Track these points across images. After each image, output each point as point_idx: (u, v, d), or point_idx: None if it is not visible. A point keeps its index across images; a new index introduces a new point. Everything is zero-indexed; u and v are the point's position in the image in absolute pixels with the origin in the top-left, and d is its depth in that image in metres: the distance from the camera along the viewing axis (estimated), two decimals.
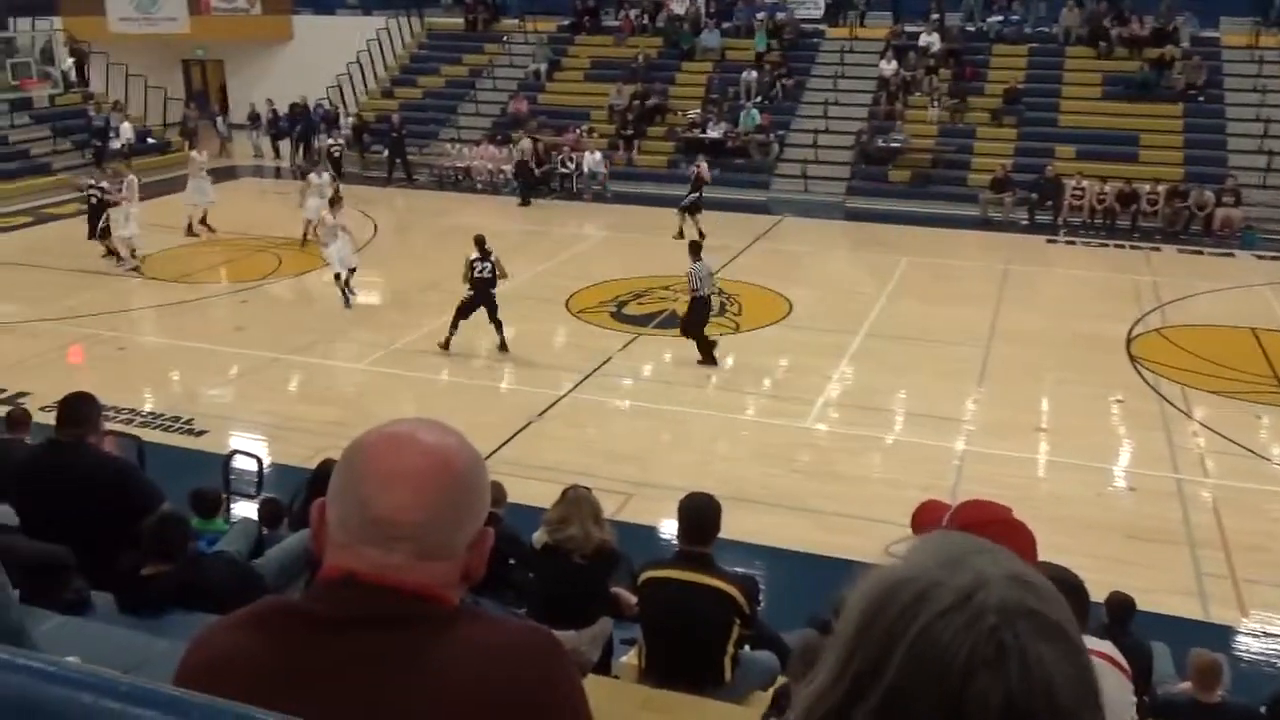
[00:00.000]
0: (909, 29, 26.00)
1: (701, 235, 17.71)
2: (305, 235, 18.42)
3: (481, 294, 13.13)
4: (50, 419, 5.67)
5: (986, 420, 11.69)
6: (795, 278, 17.36)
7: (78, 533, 4.49)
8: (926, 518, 2.26)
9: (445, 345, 13.33)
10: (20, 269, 17.37)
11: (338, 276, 15.34)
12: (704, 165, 20.24)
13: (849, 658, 0.90)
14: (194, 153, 20.97)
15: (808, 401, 12.09)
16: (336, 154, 24.01)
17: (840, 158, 23.60)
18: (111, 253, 17.33)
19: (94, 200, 17.59)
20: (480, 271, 13.08)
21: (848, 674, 0.90)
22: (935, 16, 25.87)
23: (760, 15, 26.94)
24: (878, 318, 15.07)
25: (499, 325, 13.30)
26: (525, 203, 22.47)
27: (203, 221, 19.52)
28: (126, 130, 25.17)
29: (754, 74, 25.33)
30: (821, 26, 27.14)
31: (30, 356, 13.29)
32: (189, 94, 31.56)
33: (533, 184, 23.09)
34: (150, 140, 26.38)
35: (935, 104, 24.10)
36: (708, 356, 12.99)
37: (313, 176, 19.65)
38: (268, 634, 1.32)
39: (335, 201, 16.18)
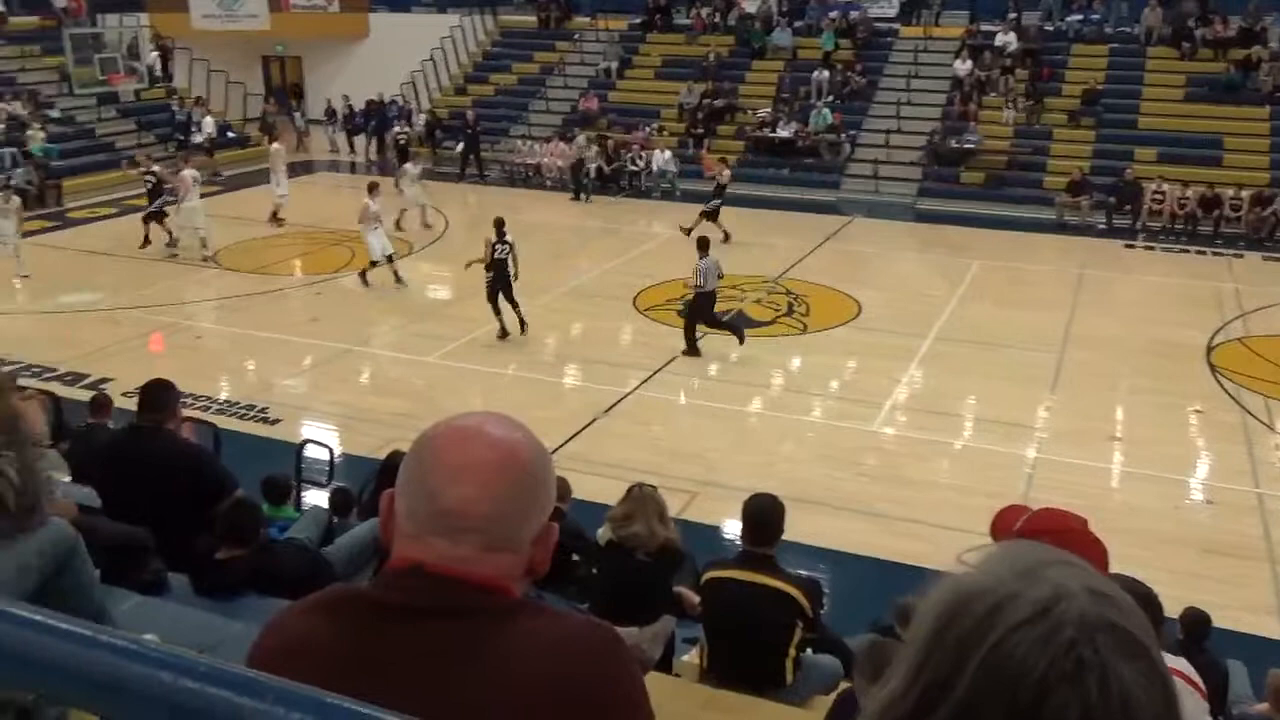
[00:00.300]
0: (985, 28, 25.59)
1: (727, 236, 18.41)
2: (398, 222, 19.26)
3: (499, 275, 13.53)
4: (131, 404, 5.84)
5: (1059, 428, 11.46)
6: (864, 279, 17.19)
7: (156, 516, 4.61)
8: (1006, 523, 2.22)
9: (503, 334, 13.71)
10: (105, 258, 17.89)
11: (374, 264, 16.02)
12: (727, 171, 20.17)
13: (919, 668, 0.88)
14: (275, 145, 21.51)
15: (875, 404, 11.97)
16: (403, 142, 24.41)
17: (912, 158, 23.31)
18: (147, 240, 18.00)
19: (149, 184, 18.11)
20: (499, 253, 13.49)
21: (917, 685, 0.88)
22: (1013, 15, 25.41)
23: (833, 14, 26.72)
24: (948, 321, 14.86)
25: (515, 304, 13.70)
26: (579, 198, 22.67)
27: (275, 214, 20.03)
28: (209, 124, 25.79)
29: (825, 73, 25.12)
30: (895, 25, 26.83)
31: (113, 343, 13.69)
32: (268, 89, 32.20)
33: (604, 179, 23.25)
34: (230, 134, 27.00)
35: (1011, 105, 23.68)
36: (692, 347, 13.25)
37: (409, 166, 20.15)
38: (337, 621, 1.35)
39: (373, 188, 16.56)
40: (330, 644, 1.31)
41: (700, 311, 13.26)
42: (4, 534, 2.87)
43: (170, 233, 18.01)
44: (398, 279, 16.27)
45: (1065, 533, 2.15)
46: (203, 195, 18.33)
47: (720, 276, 13.38)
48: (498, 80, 28.54)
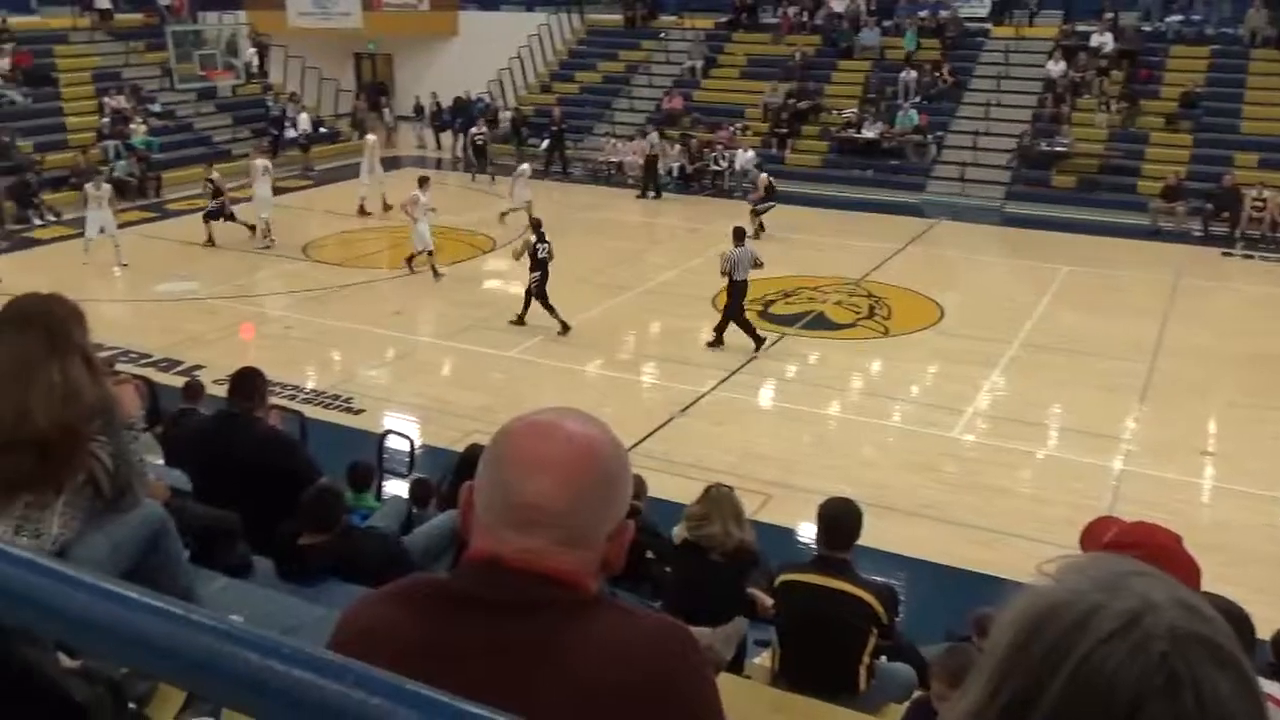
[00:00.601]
0: (1080, 28, 24.97)
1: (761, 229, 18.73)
2: (503, 215, 19.72)
3: (544, 274, 13.93)
4: (222, 391, 6.01)
5: (1148, 440, 11.15)
6: (948, 283, 16.92)
7: (243, 500, 4.74)
8: (1096, 535, 2.17)
9: (564, 329, 13.88)
10: (200, 248, 18.42)
11: (430, 254, 16.48)
12: (764, 176, 20.20)
13: (1000, 682, 0.86)
14: (370, 136, 22.03)
15: (956, 410, 11.78)
16: (480, 143, 24.79)
17: (1000, 161, 22.87)
18: (211, 239, 18.39)
19: (210, 189, 18.67)
20: (541, 253, 13.89)
21: (999, 699, 0.86)
22: (1109, 15, 24.76)
23: (922, 13, 26.35)
24: (1034, 327, 14.54)
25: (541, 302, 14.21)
26: (645, 195, 22.76)
27: (363, 208, 20.59)
28: (304, 121, 26.41)
29: (913, 73, 24.78)
30: (986, 25, 26.34)
31: (207, 331, 14.11)
32: (359, 86, 32.82)
33: (685, 178, 23.34)
34: (322, 130, 27.61)
35: (1105, 107, 23.08)
36: (755, 338, 13.28)
37: (524, 166, 20.51)
38: (413, 610, 1.36)
39: (424, 181, 16.99)
40: (406, 632, 1.33)
41: (733, 303, 13.29)
42: (99, 514, 2.98)
43: (252, 226, 18.48)
44: (434, 271, 16.68)
45: (1157, 548, 2.09)
46: (291, 190, 18.80)
47: (759, 265, 13.43)
48: (583, 78, 28.71)
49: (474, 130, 25.39)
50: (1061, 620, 0.84)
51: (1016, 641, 0.86)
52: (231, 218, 18.57)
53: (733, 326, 13.34)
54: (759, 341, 13.27)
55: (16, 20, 25.05)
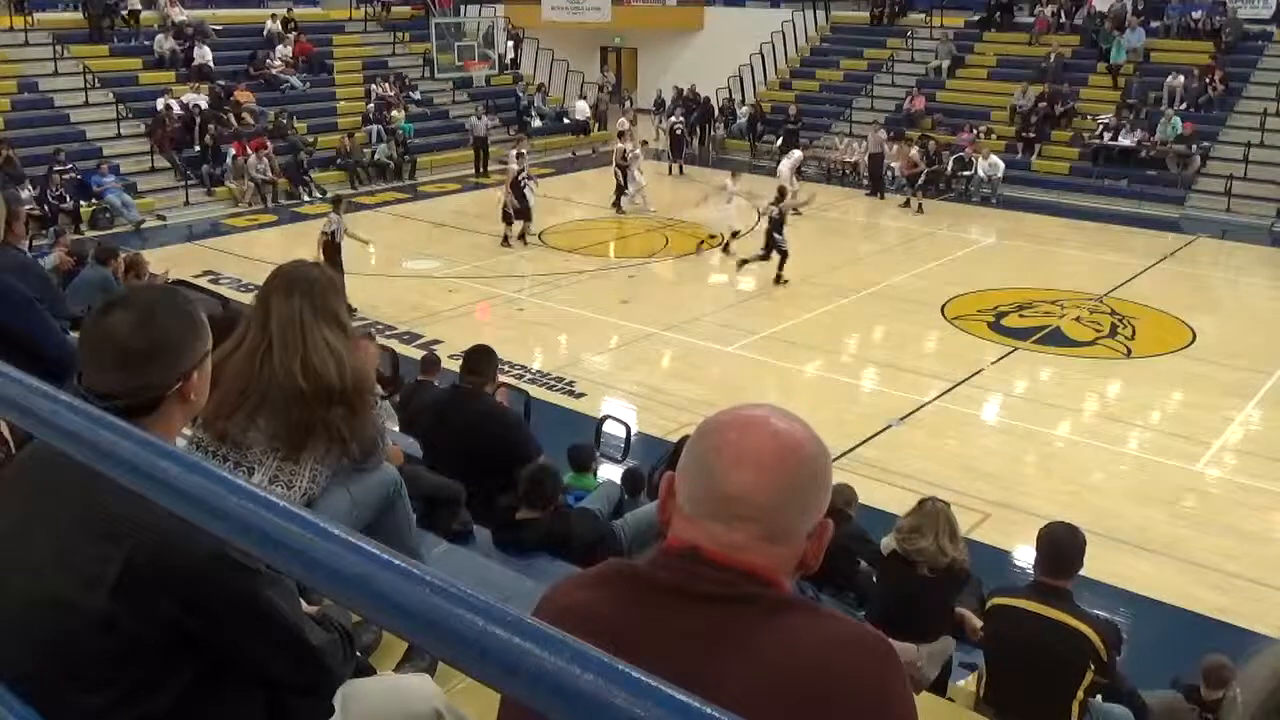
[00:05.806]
0: None
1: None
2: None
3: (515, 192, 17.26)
4: (456, 365, 6.35)
5: None
6: (1203, 305, 15.73)
7: (467, 471, 4.99)
8: None
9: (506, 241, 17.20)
10: (448, 230, 19.45)
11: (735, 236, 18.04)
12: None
13: None
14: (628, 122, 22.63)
15: (1202, 442, 10.94)
16: (679, 132, 25.35)
17: (1275, 175, 20.97)
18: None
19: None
20: (523, 186, 17.34)
21: None
22: None
23: (1195, 14, 24.50)
24: None
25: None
26: (875, 194, 22.44)
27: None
28: (582, 108, 27.96)
29: (1180, 78, 23.09)
30: (1269, 28, 24.19)
31: (446, 309, 14.89)
32: (603, 79, 33.62)
33: (924, 181, 22.66)
34: (565, 121, 28.52)
35: None
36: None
37: (796, 153, 21.27)
38: (612, 594, 1.38)
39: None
40: (605, 617, 1.34)
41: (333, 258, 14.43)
42: (343, 473, 3.22)
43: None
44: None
45: None
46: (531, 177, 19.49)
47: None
48: (824, 76, 28.37)
49: (672, 120, 25.78)
50: None
51: (1269, 703, 0.79)
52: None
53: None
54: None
55: (301, 11, 27.14)
